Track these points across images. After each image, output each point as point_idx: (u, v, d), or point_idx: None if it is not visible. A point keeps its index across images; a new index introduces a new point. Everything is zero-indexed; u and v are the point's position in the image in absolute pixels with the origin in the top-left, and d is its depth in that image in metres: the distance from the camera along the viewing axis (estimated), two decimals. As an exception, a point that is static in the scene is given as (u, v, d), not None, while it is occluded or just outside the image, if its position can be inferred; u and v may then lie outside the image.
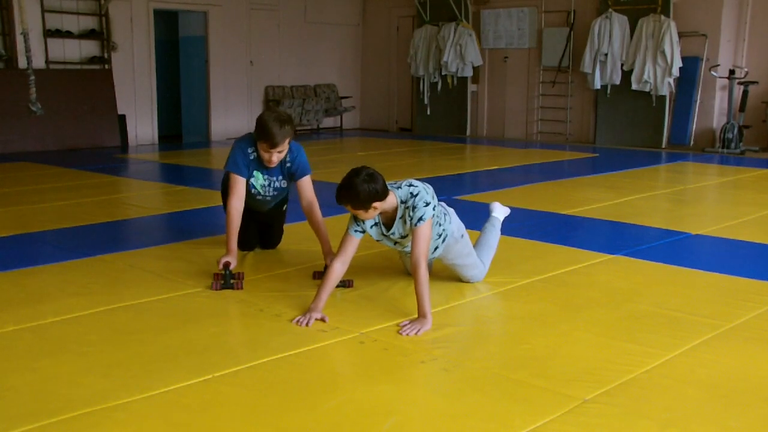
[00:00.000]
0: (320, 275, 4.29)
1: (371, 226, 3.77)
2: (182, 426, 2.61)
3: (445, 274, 4.38)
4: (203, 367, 3.06)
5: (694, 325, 3.59)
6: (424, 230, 3.63)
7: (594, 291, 4.17)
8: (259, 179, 4.56)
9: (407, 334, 3.44)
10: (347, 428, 2.59)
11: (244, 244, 4.84)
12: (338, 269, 3.71)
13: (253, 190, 4.59)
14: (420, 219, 3.63)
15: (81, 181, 8.05)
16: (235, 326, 3.77)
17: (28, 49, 8.82)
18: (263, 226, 4.92)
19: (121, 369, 3.06)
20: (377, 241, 3.88)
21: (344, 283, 4.14)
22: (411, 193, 3.69)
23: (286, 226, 5.11)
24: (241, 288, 4.13)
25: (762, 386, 2.95)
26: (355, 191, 3.51)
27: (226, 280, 4.13)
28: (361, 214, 3.62)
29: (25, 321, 3.61)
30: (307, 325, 3.54)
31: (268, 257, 4.81)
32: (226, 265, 4.17)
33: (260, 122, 4.31)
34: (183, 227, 5.75)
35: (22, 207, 6.56)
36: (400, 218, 3.72)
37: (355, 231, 3.75)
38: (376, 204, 3.58)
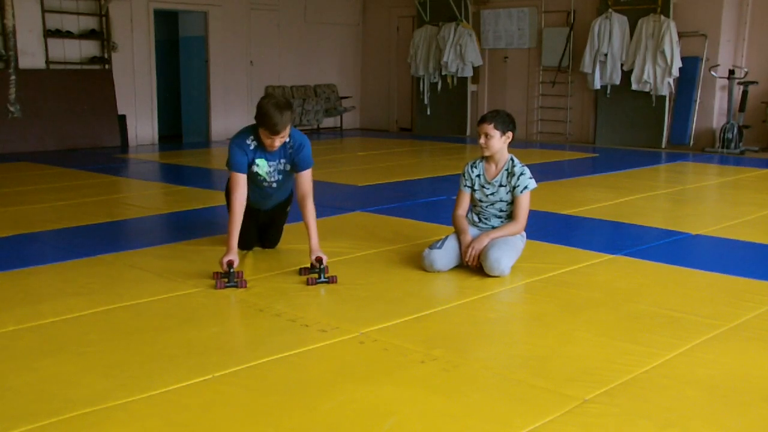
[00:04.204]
0: (307, 271, 4.32)
1: (476, 175, 4.54)
2: (182, 426, 2.61)
3: (462, 271, 4.38)
4: (203, 367, 3.06)
5: (694, 325, 3.59)
6: (527, 200, 4.47)
7: (594, 291, 4.16)
8: (263, 166, 4.56)
9: (473, 256, 4.34)
10: (347, 428, 2.59)
11: (244, 243, 4.84)
12: (461, 216, 4.57)
13: (259, 178, 4.59)
14: (525, 187, 4.43)
15: (81, 181, 8.05)
16: (235, 326, 3.78)
17: (10, 48, 8.69)
18: (263, 226, 4.92)
19: (121, 369, 3.06)
20: (473, 192, 4.56)
21: (330, 279, 4.20)
22: (515, 159, 4.50)
23: (286, 226, 5.10)
24: (245, 286, 4.13)
25: (762, 386, 2.95)
26: (504, 113, 4.48)
27: (230, 278, 4.13)
28: (492, 138, 4.38)
29: (25, 321, 3.60)
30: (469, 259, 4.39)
31: (268, 257, 4.81)
32: (230, 263, 4.18)
33: (261, 109, 4.29)
34: (183, 227, 5.75)
35: (21, 207, 6.56)
36: (506, 170, 4.46)
37: (465, 186, 4.59)
38: (509, 134, 4.44)
